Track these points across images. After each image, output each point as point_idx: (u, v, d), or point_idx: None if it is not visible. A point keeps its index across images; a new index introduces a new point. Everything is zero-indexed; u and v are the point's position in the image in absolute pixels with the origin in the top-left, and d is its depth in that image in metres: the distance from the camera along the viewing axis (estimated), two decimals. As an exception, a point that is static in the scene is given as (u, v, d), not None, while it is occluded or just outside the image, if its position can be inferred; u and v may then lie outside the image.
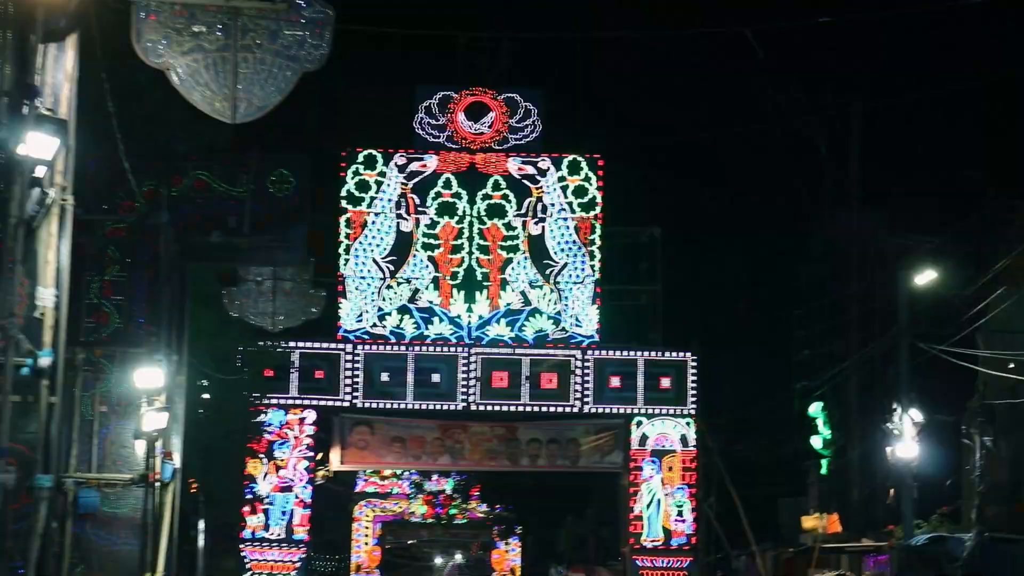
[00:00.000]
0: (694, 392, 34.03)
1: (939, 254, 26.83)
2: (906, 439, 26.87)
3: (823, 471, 34.57)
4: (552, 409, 34.12)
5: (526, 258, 34.12)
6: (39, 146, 14.14)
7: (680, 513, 33.82)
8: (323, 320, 33.27)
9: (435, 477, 62.98)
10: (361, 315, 33.74)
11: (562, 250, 34.17)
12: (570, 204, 34.32)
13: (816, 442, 34.82)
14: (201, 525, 29.31)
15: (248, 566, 32.69)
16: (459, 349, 33.79)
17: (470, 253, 34.10)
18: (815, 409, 34.85)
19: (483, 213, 34.16)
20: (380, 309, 33.81)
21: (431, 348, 33.79)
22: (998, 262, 24.65)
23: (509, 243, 34.16)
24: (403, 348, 33.71)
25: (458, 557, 73.58)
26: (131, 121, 18.60)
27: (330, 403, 33.69)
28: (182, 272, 21.33)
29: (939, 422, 27.75)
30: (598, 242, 34.27)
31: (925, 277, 26.49)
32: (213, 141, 21.58)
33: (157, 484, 20.11)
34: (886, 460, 28.91)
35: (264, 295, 24.40)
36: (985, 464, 26.25)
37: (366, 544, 62.74)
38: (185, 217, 21.07)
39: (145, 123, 19.56)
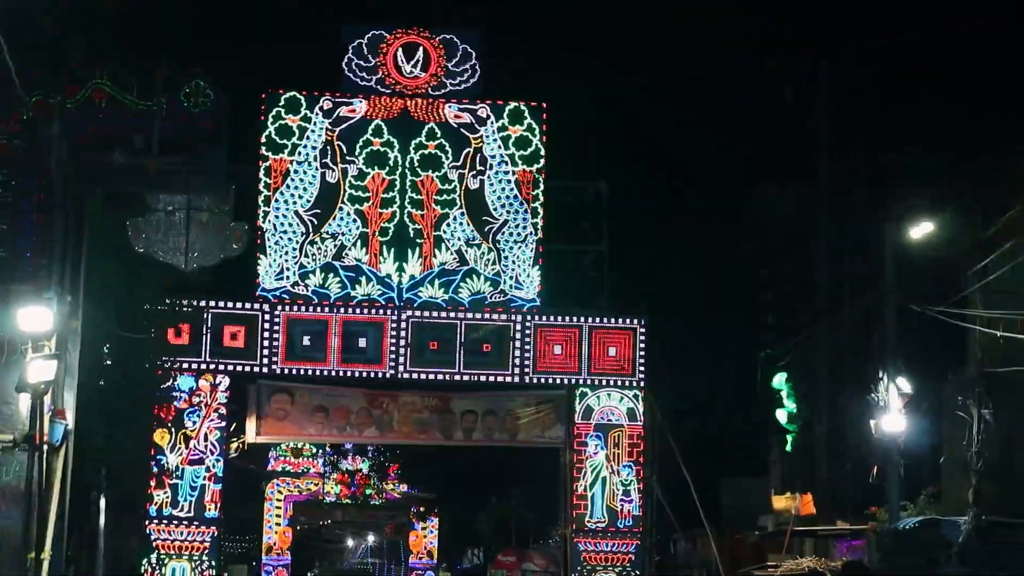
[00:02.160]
0: (643, 362, 31.54)
1: (932, 206, 24.28)
2: (892, 411, 24.33)
3: (788, 448, 32.16)
4: (489, 379, 31.47)
5: (463, 214, 31.51)
6: None
7: (626, 493, 31.35)
8: (240, 277, 30.57)
9: (351, 456, 60.71)
10: (281, 272, 30.90)
11: (502, 206, 31.60)
12: (511, 156, 31.71)
13: (781, 416, 32.41)
14: (102, 502, 26.49)
15: (154, 545, 29.76)
16: (388, 312, 31.09)
17: (402, 207, 31.40)
18: (779, 380, 32.43)
19: (416, 164, 31.50)
20: (302, 267, 31.00)
21: (358, 310, 30.97)
22: (998, 214, 22.13)
23: (445, 197, 31.52)
24: (327, 310, 30.88)
25: (370, 538, 71.42)
26: (18, 20, 15.58)
27: (246, 368, 30.74)
28: (79, 199, 18.27)
29: (920, 392, 25.20)
30: (541, 198, 31.65)
31: (920, 230, 23.94)
32: (115, 55, 18.62)
33: (45, 447, 17.06)
34: (867, 434, 26.37)
35: (176, 228, 21.41)
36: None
37: (278, 525, 60.35)
38: (83, 133, 18.01)
39: (35, 23, 16.54)
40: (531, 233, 31.56)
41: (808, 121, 32.08)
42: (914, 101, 31.23)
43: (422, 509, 63.88)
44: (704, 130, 36.02)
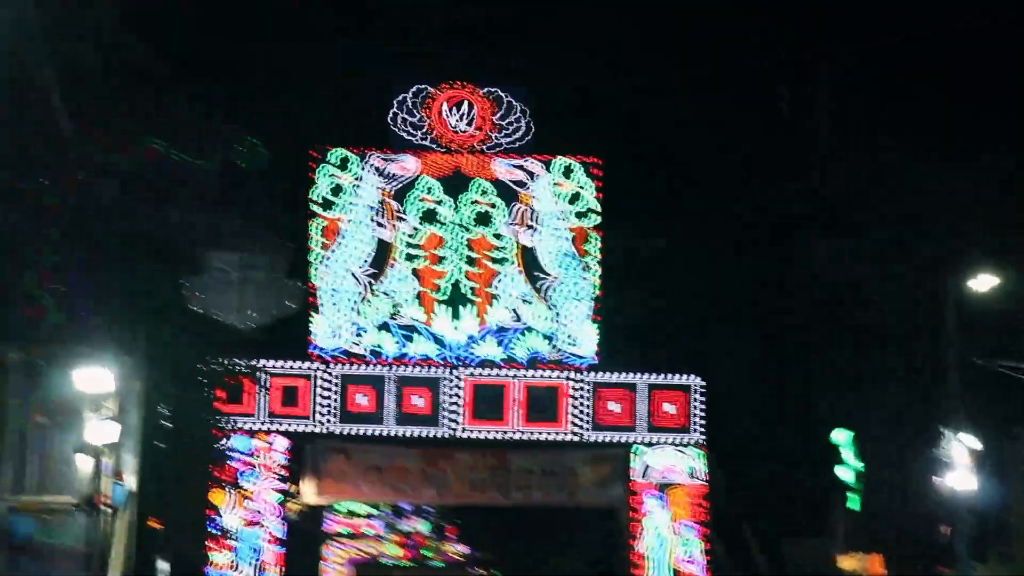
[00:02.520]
0: (703, 419, 31.13)
1: (994, 258, 23.86)
2: (959, 468, 23.83)
3: (852, 506, 31.55)
4: (546, 437, 31.12)
5: (517, 271, 31.30)
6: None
7: (689, 554, 30.82)
8: (293, 336, 30.46)
9: (409, 516, 60.38)
10: (336, 332, 30.74)
11: (556, 262, 31.38)
12: (564, 212, 31.53)
13: (845, 474, 31.79)
14: (166, 567, 26.24)
15: (216, 610, 29.51)
16: (444, 370, 30.82)
17: (456, 265, 31.19)
18: (841, 437, 31.85)
19: (469, 221, 31.29)
20: (357, 325, 30.86)
21: (413, 369, 30.77)
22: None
23: (498, 255, 31.32)
24: (382, 369, 30.68)
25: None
26: (72, 81, 15.57)
27: (301, 428, 30.56)
28: (133, 258, 18.17)
29: (987, 449, 24.69)
30: (596, 254, 31.39)
31: (982, 284, 23.50)
32: (168, 115, 18.60)
33: (106, 510, 16.91)
34: (931, 492, 25.86)
35: (232, 286, 21.27)
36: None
37: (337, 587, 59.95)
38: (137, 192, 17.94)
39: (89, 84, 16.53)
40: (586, 289, 31.33)
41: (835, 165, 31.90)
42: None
43: (481, 570, 63.42)
44: (741, 178, 35.75)
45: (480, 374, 30.97)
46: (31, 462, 16.92)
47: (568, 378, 31.10)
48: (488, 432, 31.01)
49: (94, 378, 16.66)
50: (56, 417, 17.02)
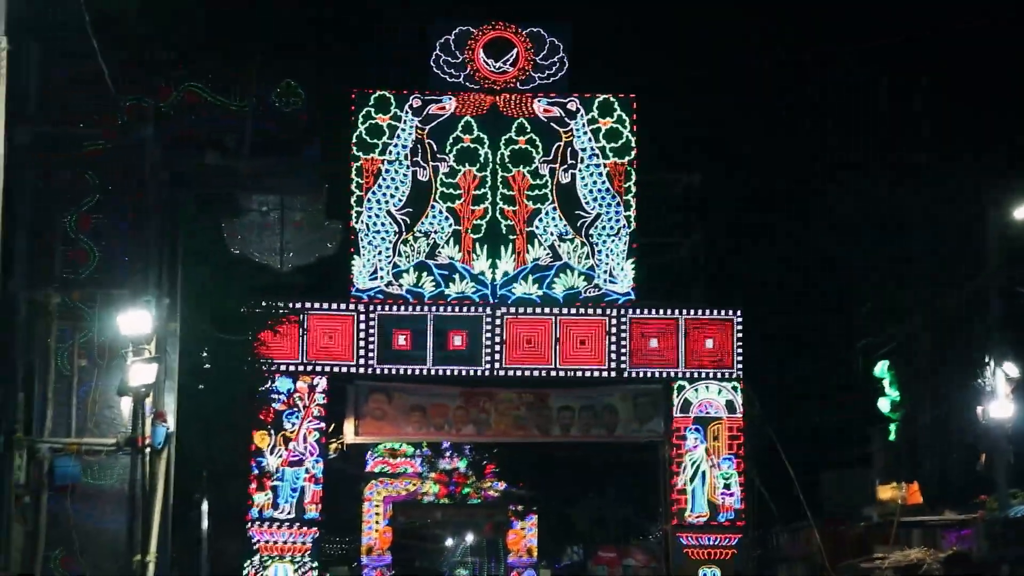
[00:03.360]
0: (741, 353, 31.16)
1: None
2: (999, 397, 23.79)
3: (891, 437, 31.55)
4: (586, 374, 31.19)
5: (555, 209, 31.32)
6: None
7: (727, 486, 31.00)
8: (334, 277, 30.59)
9: (447, 455, 60.71)
10: (376, 272, 30.85)
11: (594, 199, 31.39)
12: (602, 149, 31.49)
13: (883, 405, 31.78)
14: (205, 506, 26.53)
15: (256, 548, 29.81)
16: (483, 309, 30.93)
17: (494, 204, 31.28)
18: (881, 368, 31.81)
19: (507, 160, 31.35)
20: (396, 266, 30.94)
21: (452, 308, 30.86)
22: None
23: (536, 192, 31.35)
24: (422, 309, 30.78)
25: (469, 538, 71.40)
26: (110, 23, 15.57)
27: (343, 369, 30.71)
28: (173, 202, 18.24)
29: (1026, 378, 24.53)
30: (633, 190, 31.35)
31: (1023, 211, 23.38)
32: (206, 57, 18.57)
33: (148, 450, 17.07)
34: (973, 421, 25.81)
35: (271, 228, 21.31)
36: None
37: (377, 525, 60.42)
38: (175, 136, 17.97)
39: (126, 26, 16.54)
40: (624, 226, 31.30)
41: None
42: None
43: (520, 507, 63.70)
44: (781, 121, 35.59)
45: (519, 312, 31.02)
46: (75, 405, 17.03)
47: (607, 314, 31.12)
48: (528, 370, 31.10)
49: (134, 321, 16.75)
50: (97, 360, 17.12)
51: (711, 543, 30.92)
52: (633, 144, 31.48)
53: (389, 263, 30.93)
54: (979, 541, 24.12)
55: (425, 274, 31.04)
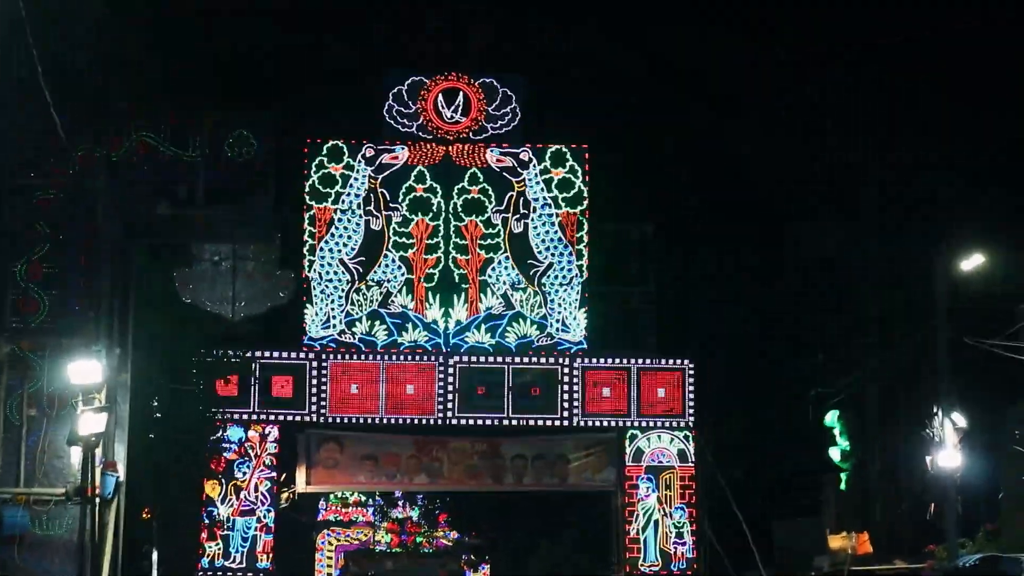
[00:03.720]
0: (692, 402, 31.28)
1: (982, 237, 23.96)
2: (948, 447, 23.98)
3: (842, 486, 31.71)
4: (538, 422, 31.23)
5: (507, 258, 31.43)
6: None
7: (679, 535, 31.07)
8: (287, 326, 30.57)
9: (400, 504, 60.58)
10: (328, 321, 30.83)
11: (547, 249, 31.50)
12: (555, 199, 31.66)
13: (834, 454, 31.97)
14: (155, 555, 26.38)
15: (206, 599, 29.65)
16: (435, 358, 30.93)
17: (446, 253, 31.35)
18: (831, 418, 32.02)
19: (460, 209, 31.44)
20: (349, 314, 30.94)
21: (405, 357, 30.87)
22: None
23: (489, 241, 31.44)
24: (374, 358, 30.79)
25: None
26: (62, 74, 15.60)
27: (295, 418, 30.65)
28: (125, 251, 18.22)
29: (977, 427, 24.80)
30: (586, 239, 31.55)
31: (971, 263, 23.63)
32: (158, 107, 18.62)
33: (97, 500, 17.00)
34: (922, 471, 26.01)
35: (223, 277, 21.31)
36: (1032, 477, 23.45)
37: (329, 575, 60.18)
38: (128, 185, 17.99)
39: (79, 76, 16.56)
40: (576, 276, 31.44)
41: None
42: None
43: (473, 556, 63.59)
44: (739, 162, 35.83)
45: (472, 361, 31.06)
46: (23, 454, 16.95)
47: (559, 364, 31.20)
48: (480, 419, 31.10)
49: (85, 370, 16.72)
50: (47, 409, 17.06)
51: (664, 593, 30.94)
52: (585, 194, 31.66)
53: (342, 311, 30.94)
54: (928, 590, 24.25)
55: (378, 323, 31.05)
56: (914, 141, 31.90)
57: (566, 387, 31.11)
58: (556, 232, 31.52)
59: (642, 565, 31.02)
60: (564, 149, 31.83)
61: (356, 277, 31.04)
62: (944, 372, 24.38)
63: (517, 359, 31.09)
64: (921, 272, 26.57)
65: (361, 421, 30.92)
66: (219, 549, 29.94)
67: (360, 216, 31.20)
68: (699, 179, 35.65)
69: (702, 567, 31.33)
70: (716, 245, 35.23)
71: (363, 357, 30.81)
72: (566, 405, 31.08)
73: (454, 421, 31.00)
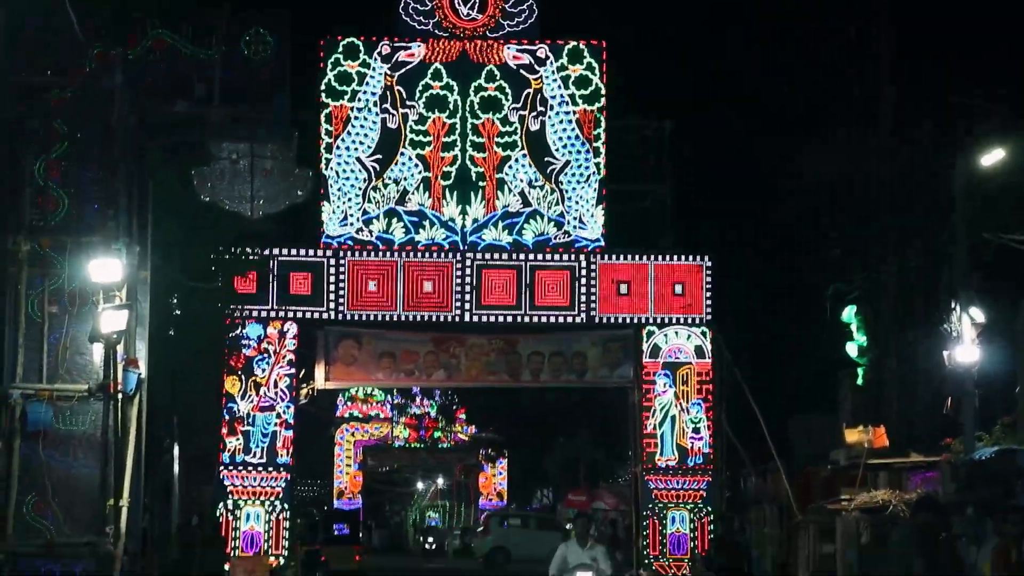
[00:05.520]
0: (710, 299, 31.34)
1: (1002, 132, 23.79)
2: (965, 341, 24.00)
3: (859, 382, 31.78)
4: (556, 319, 31.34)
5: (524, 155, 31.37)
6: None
7: (696, 430, 31.26)
8: (305, 224, 30.66)
9: (419, 399, 61.09)
10: (345, 219, 30.89)
11: (564, 146, 31.42)
12: (572, 96, 31.51)
13: (851, 350, 31.99)
14: (176, 450, 26.71)
15: (228, 492, 29.97)
16: (453, 256, 30.98)
17: (463, 151, 31.29)
18: (849, 314, 32.00)
19: (477, 107, 31.32)
20: (366, 212, 30.99)
21: (422, 255, 30.94)
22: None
23: (506, 139, 31.38)
24: (392, 255, 30.87)
25: (440, 481, 71.88)
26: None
27: (313, 315, 30.81)
28: (142, 150, 18.24)
29: (994, 322, 24.78)
30: (603, 137, 31.44)
31: (991, 158, 23.51)
32: (175, 4, 18.56)
33: (119, 396, 17.16)
34: (939, 366, 26.05)
35: (241, 176, 21.32)
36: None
37: (348, 469, 60.87)
38: (144, 84, 17.97)
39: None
40: (594, 173, 31.38)
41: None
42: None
43: (491, 451, 64.22)
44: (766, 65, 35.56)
45: (489, 259, 31.12)
46: (46, 351, 17.08)
47: (577, 261, 31.25)
48: (498, 316, 31.24)
49: (105, 268, 16.80)
50: (68, 307, 17.17)
51: (680, 486, 31.20)
52: (603, 91, 31.51)
53: (359, 210, 30.98)
54: (944, 483, 24.34)
55: (395, 220, 31.09)
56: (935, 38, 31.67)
57: (583, 284, 31.17)
58: (573, 130, 31.42)
59: (659, 459, 31.23)
60: (581, 46, 31.64)
61: (373, 175, 31.04)
62: (962, 266, 24.35)
63: (534, 256, 31.14)
64: (941, 167, 26.49)
65: (379, 318, 31.08)
66: (240, 444, 30.24)
67: (376, 114, 31.14)
68: (717, 76, 35.49)
69: (719, 462, 31.56)
70: (734, 142, 35.16)
71: (381, 255, 30.88)
72: (583, 302, 31.15)
73: (471, 319, 31.12)
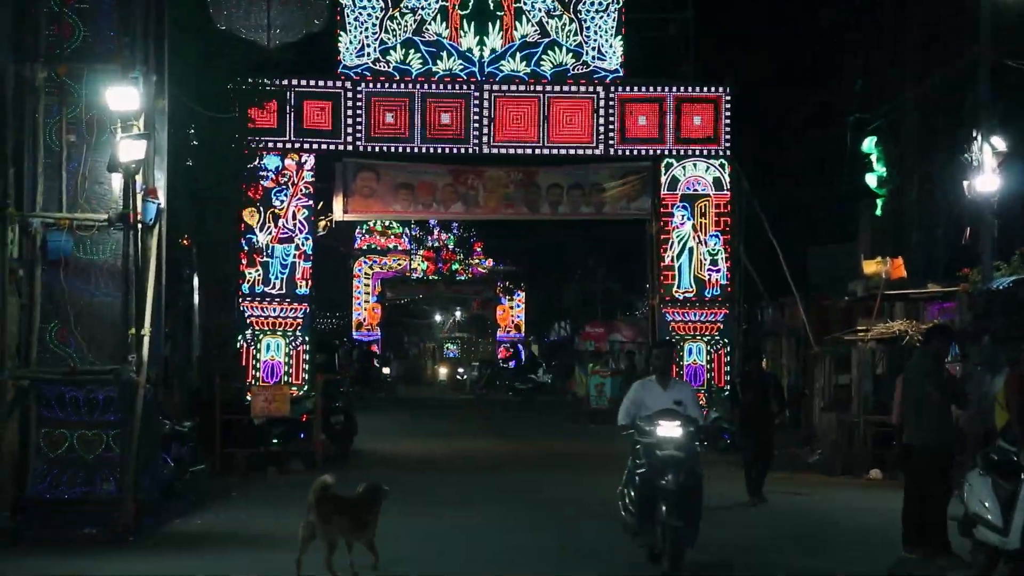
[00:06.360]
0: (729, 130, 31.13)
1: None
2: (986, 170, 23.85)
3: (878, 212, 31.68)
4: (574, 152, 31.19)
5: (544, -18, 30.84)
6: None
7: (714, 262, 31.26)
8: (322, 55, 30.38)
9: (436, 232, 61.14)
10: (362, 49, 30.60)
11: (583, -27, 30.87)
12: (591, -77, 30.91)
13: (871, 180, 31.84)
14: (195, 280, 26.82)
15: (248, 322, 30.16)
16: (470, 86, 30.74)
17: (482, -21, 30.79)
18: (869, 144, 31.78)
19: (495, -65, 30.77)
20: (383, 43, 30.69)
21: (439, 86, 30.70)
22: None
23: (524, -34, 30.83)
24: (409, 86, 30.63)
25: (458, 313, 72.34)
26: None
27: (331, 146, 30.71)
28: (160, -25, 17.97)
29: (1016, 151, 24.54)
30: (623, -34, 30.94)
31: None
32: None
33: (139, 226, 17.16)
34: (959, 196, 25.90)
35: (257, 4, 21.07)
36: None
37: (366, 301, 61.22)
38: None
39: None
40: (613, 2, 30.96)
41: None
42: None
43: (509, 284, 64.45)
44: None
45: (507, 90, 30.88)
46: (65, 180, 17.02)
47: (595, 92, 30.99)
48: (516, 148, 31.09)
49: (122, 96, 16.65)
50: (86, 135, 17.07)
51: (697, 318, 31.30)
52: (624, -80, 30.98)
53: (376, 40, 30.68)
54: (962, 313, 24.39)
55: (412, 51, 30.80)
56: None
57: (602, 116, 30.95)
58: (593, -43, 30.91)
59: (676, 291, 31.30)
60: None
61: (390, 4, 30.70)
62: (985, 94, 24.07)
63: (552, 87, 30.88)
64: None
65: (396, 150, 30.98)
66: (259, 275, 30.35)
67: (393, -60, 30.65)
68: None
69: (736, 293, 31.63)
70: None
71: (398, 86, 30.66)
72: (601, 134, 30.97)
73: (489, 151, 30.99)
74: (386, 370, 57.56)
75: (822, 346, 27.27)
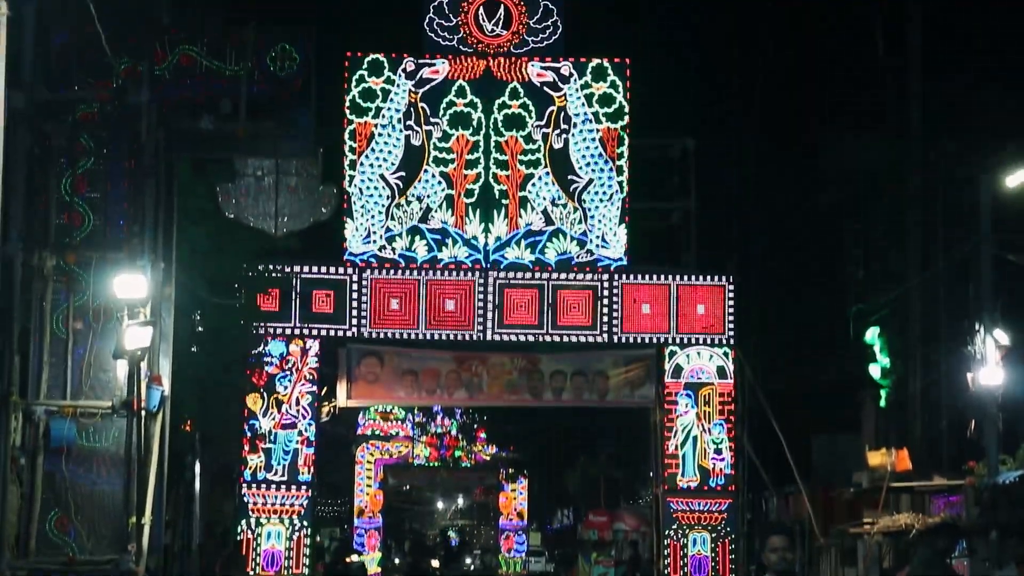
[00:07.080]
0: (732, 319, 31.24)
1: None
2: (989, 363, 23.91)
3: (882, 403, 31.68)
4: (578, 339, 31.27)
5: (548, 173, 31.27)
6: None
7: (718, 451, 31.11)
8: (328, 241, 30.68)
9: (439, 418, 61.02)
10: (369, 236, 30.86)
11: (587, 164, 31.34)
12: (596, 114, 31.44)
13: (874, 371, 31.89)
14: (197, 467, 26.70)
15: (249, 509, 29.92)
16: (475, 274, 30.95)
17: (487, 168, 31.23)
18: (872, 335, 31.91)
19: (500, 124, 31.27)
20: (389, 230, 30.95)
21: (445, 273, 30.92)
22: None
23: (529, 157, 31.29)
24: (414, 273, 30.85)
25: (460, 500, 71.84)
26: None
27: (336, 333, 30.80)
28: (168, 165, 18.27)
29: (1019, 344, 24.67)
30: (626, 155, 31.38)
31: (1016, 179, 23.46)
32: (203, 22, 18.60)
33: (143, 413, 17.15)
34: (963, 388, 25.94)
35: (265, 192, 21.33)
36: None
37: (368, 488, 60.79)
38: (170, 100, 17.98)
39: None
40: (617, 191, 31.30)
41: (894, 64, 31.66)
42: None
43: (511, 470, 64.07)
44: (786, 76, 35.54)
45: (511, 277, 31.08)
46: (68, 367, 17.08)
47: (599, 280, 31.18)
48: (520, 335, 31.19)
49: (130, 284, 16.80)
50: (92, 323, 17.17)
51: (701, 508, 31.04)
52: (626, 109, 31.46)
53: (382, 227, 30.95)
54: (968, 507, 24.24)
55: (418, 238, 31.05)
56: (960, 53, 31.58)
57: (605, 304, 31.10)
58: (597, 148, 31.34)
59: (680, 480, 31.10)
60: (605, 63, 31.56)
61: (396, 192, 31.01)
62: (987, 288, 24.23)
63: (556, 275, 31.09)
64: (964, 188, 26.41)
65: (401, 336, 31.06)
66: (261, 461, 30.19)
67: (400, 131, 31.11)
68: (739, 94, 35.42)
69: (741, 483, 31.43)
70: (756, 160, 35.05)
71: (403, 273, 30.87)
72: (605, 322, 31.08)
73: (493, 337, 31.06)
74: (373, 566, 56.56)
75: (828, 538, 27.04)
